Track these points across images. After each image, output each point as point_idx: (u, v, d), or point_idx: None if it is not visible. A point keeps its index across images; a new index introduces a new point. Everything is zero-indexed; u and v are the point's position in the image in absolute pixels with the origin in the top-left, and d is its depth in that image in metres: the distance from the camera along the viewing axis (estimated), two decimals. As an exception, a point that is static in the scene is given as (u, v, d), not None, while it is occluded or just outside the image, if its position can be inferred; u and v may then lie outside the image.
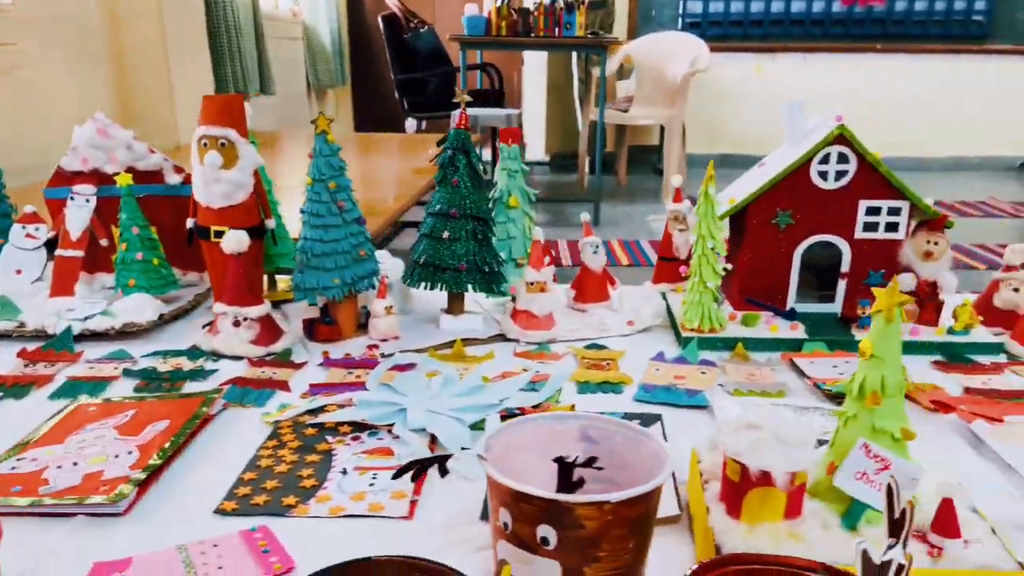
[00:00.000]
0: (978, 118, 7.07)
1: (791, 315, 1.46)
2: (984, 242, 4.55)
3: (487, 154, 6.05)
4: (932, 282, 1.43)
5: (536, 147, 7.21)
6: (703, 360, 1.34)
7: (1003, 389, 1.23)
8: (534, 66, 6.99)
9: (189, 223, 1.41)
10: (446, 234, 1.39)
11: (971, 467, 1.00)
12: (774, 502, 0.79)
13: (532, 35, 4.93)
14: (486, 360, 1.33)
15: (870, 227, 1.44)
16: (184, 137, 4.07)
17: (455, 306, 1.46)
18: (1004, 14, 6.87)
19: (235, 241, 1.27)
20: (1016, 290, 1.45)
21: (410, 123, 5.93)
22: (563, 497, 0.67)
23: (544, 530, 0.68)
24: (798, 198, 1.43)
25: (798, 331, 1.42)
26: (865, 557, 0.54)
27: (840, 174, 1.40)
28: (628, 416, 1.12)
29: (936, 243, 1.42)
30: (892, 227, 1.43)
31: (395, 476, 0.85)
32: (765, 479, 0.77)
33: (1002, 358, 1.37)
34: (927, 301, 1.44)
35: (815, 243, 1.46)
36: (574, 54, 6.87)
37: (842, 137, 1.38)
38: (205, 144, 1.33)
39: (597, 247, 1.57)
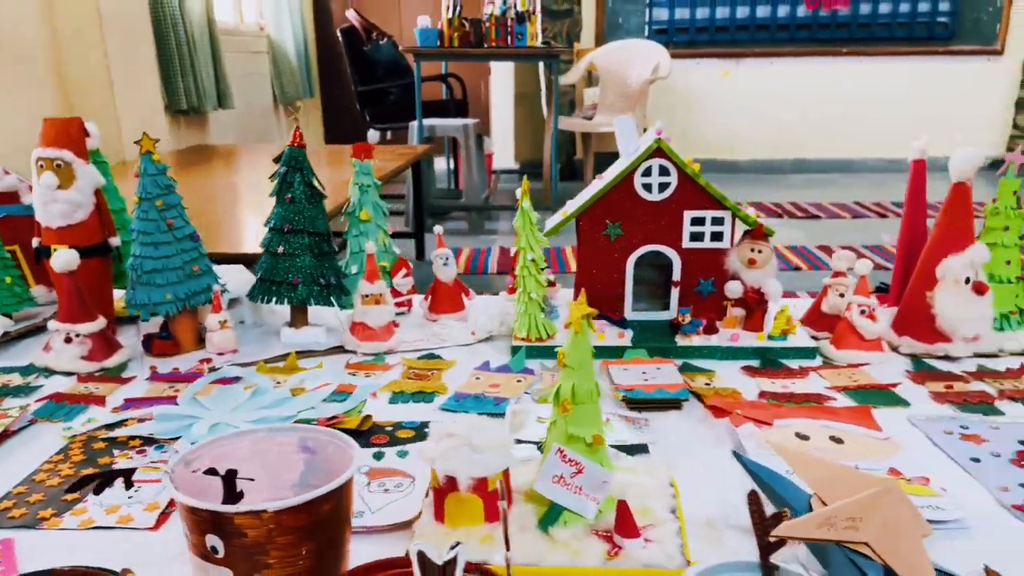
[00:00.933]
0: (945, 119, 7.09)
1: (623, 323, 1.51)
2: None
3: (442, 163, 6.11)
4: (758, 289, 1.47)
5: (506, 155, 7.26)
6: (525, 368, 1.38)
7: (798, 392, 1.27)
8: (501, 75, 7.04)
9: (35, 243, 1.46)
10: (281, 249, 1.44)
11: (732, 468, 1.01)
12: (472, 506, 0.83)
13: (485, 46, 4.98)
14: (315, 371, 1.37)
15: (696, 237, 1.48)
16: (130, 154, 4.13)
17: (297, 319, 1.51)
18: (968, 15, 6.91)
19: (63, 260, 1.31)
20: (841, 295, 1.49)
21: (372, 134, 5.99)
22: (222, 508, 0.71)
23: (212, 539, 0.72)
24: (626, 210, 1.47)
25: (624, 339, 1.46)
26: (421, 558, 0.58)
27: (663, 186, 1.45)
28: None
29: (760, 251, 1.46)
30: (717, 236, 1.48)
31: (68, 489, 0.91)
32: (452, 484, 0.82)
33: (818, 361, 1.41)
34: (753, 307, 1.48)
35: (646, 253, 1.50)
36: (540, 63, 6.94)
37: (660, 150, 1.42)
38: (41, 165, 1.38)
39: (447, 259, 1.61)
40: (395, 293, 1.64)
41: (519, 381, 1.33)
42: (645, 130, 6.10)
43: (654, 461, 1.01)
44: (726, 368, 1.38)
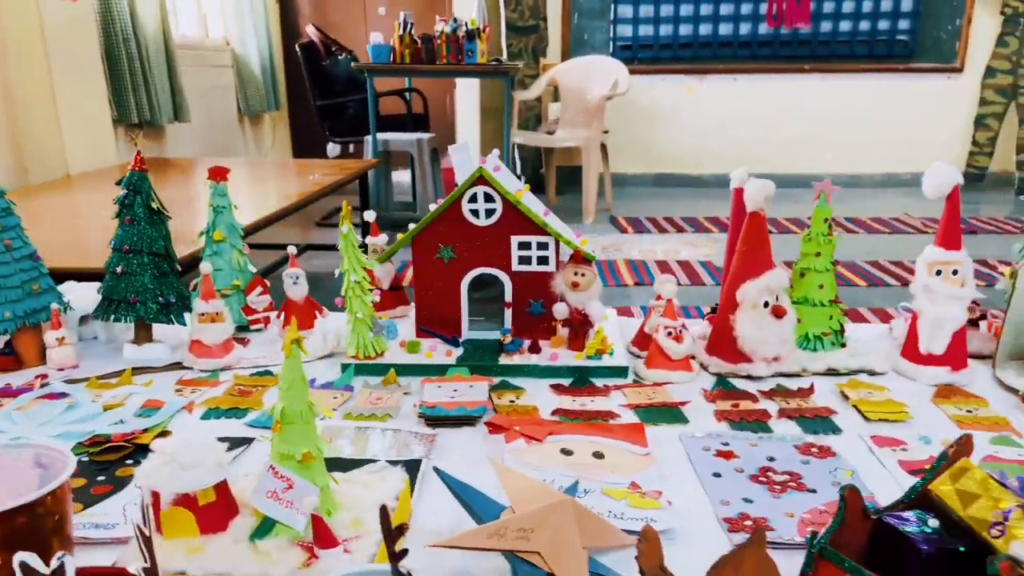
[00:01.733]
0: (907, 135, 7.19)
1: (454, 342, 1.58)
2: (880, 258, 4.67)
3: (405, 176, 6.18)
4: (582, 310, 1.55)
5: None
6: (347, 386, 1.45)
7: (590, 410, 1.34)
8: (466, 90, 7.13)
9: None
10: (120, 268, 1.51)
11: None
12: (185, 519, 0.91)
13: (436, 62, 5.07)
14: (144, 387, 1.45)
15: (524, 260, 1.55)
16: (73, 168, 4.21)
17: (140, 336, 1.58)
18: (928, 33, 7.01)
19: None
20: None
21: (331, 147, 6.08)
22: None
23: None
24: (457, 234, 1.54)
25: (451, 357, 1.53)
26: (24, 568, 0.65)
27: (489, 212, 1.52)
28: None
29: (583, 275, 1.54)
30: (543, 260, 1.55)
31: None
32: (156, 499, 0.89)
33: (630, 379, 1.48)
34: (578, 328, 1.55)
35: (479, 275, 1.57)
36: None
37: (482, 178, 1.49)
38: None
39: (297, 278, 1.68)
40: (249, 311, 1.71)
41: (335, 398, 1.40)
42: (604, 146, 6.18)
43: (391, 475, 1.08)
44: (539, 386, 1.45)
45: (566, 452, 1.18)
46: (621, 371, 1.49)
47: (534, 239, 1.54)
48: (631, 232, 5.81)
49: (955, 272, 1.42)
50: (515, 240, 1.54)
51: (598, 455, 1.18)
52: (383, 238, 1.76)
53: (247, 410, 1.36)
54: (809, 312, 1.57)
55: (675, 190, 7.40)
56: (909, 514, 0.82)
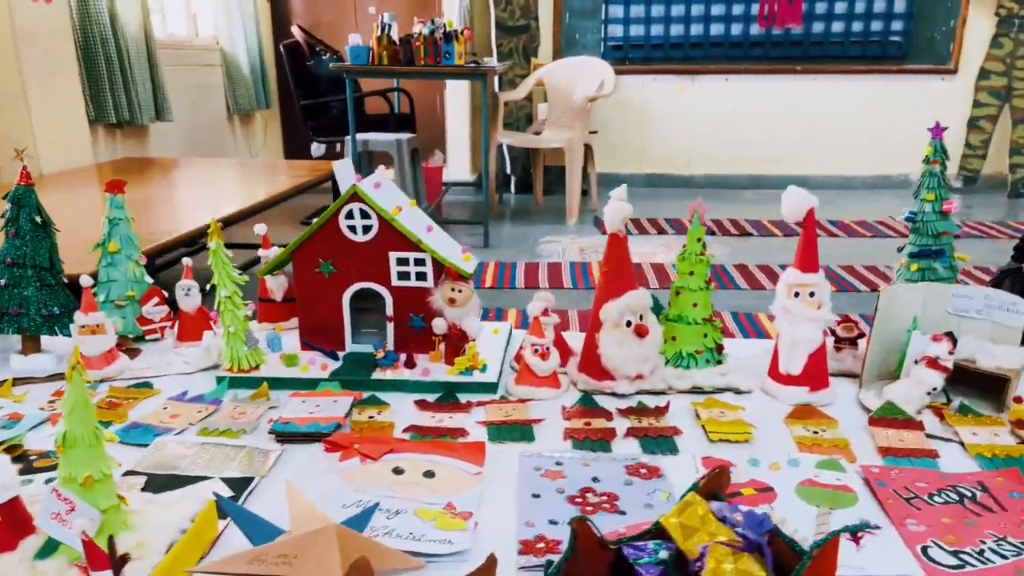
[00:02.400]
0: (900, 137, 7.15)
1: (333, 355, 1.61)
2: (856, 263, 4.66)
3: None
4: (458, 326, 1.58)
5: (461, 168, 7.36)
6: (216, 399, 1.49)
7: (444, 427, 1.37)
8: (456, 89, 7.16)
9: None
10: (3, 281, 1.55)
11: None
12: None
13: (414, 64, 5.10)
14: (23, 398, 1.49)
15: (403, 276, 1.59)
16: (47, 167, 4.27)
17: (28, 346, 1.62)
18: (922, 34, 6.96)
19: None
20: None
21: (316, 147, 6.13)
22: None
23: None
24: (336, 249, 1.58)
25: (326, 371, 1.56)
26: None
27: (366, 228, 1.55)
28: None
29: (459, 291, 1.57)
30: (421, 276, 1.58)
31: None
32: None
33: (498, 395, 1.51)
34: (455, 343, 1.58)
35: (360, 290, 1.61)
36: (496, 79, 7.06)
37: (356, 196, 1.52)
38: None
39: (189, 290, 1.72)
40: (145, 321, 1.75)
41: (199, 412, 1.44)
42: (589, 147, 6.20)
43: (198, 494, 1.11)
44: (405, 401, 1.49)
45: (397, 471, 1.22)
46: (490, 387, 1.52)
47: (411, 255, 1.57)
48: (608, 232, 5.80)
49: (812, 294, 1.44)
50: (393, 256, 1.57)
51: (429, 474, 1.21)
52: (275, 251, 1.79)
53: (109, 423, 1.40)
54: (683, 330, 1.59)
55: (666, 191, 7.40)
56: (648, 544, 0.85)
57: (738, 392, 1.53)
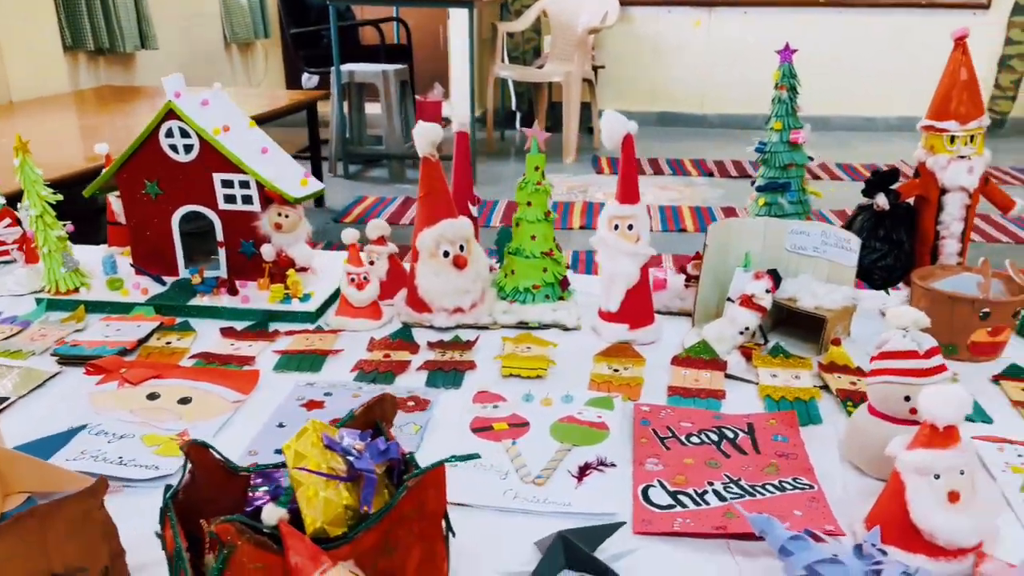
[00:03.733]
0: (925, 76, 6.87)
1: (161, 281, 1.61)
2: (847, 208, 4.54)
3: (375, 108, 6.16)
4: (285, 253, 1.56)
5: (464, 102, 7.27)
6: (25, 321, 1.49)
7: (238, 355, 1.36)
8: (459, 21, 7.03)
9: None
10: None
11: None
12: None
13: (398, -9, 5.02)
14: None
15: (230, 199, 1.56)
16: (16, 94, 4.30)
17: None
18: (954, -35, 6.66)
19: None
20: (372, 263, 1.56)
21: (307, 78, 6.09)
22: None
23: None
24: (160, 170, 1.56)
25: (146, 295, 1.56)
26: None
27: (188, 147, 1.53)
28: None
29: (286, 216, 1.54)
30: (247, 200, 1.56)
31: None
32: None
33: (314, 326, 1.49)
34: (284, 270, 1.56)
35: (189, 212, 1.59)
36: (501, 8, 6.94)
37: (172, 113, 1.50)
38: None
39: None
40: (-3, 242, 1.75)
41: (5, 332, 1.45)
42: (590, 82, 6.07)
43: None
44: (215, 328, 1.47)
45: (152, 396, 1.21)
46: (309, 316, 1.50)
47: (235, 177, 1.54)
48: (607, 173, 5.73)
49: (630, 227, 1.39)
50: (217, 177, 1.55)
51: (184, 400, 1.20)
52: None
53: (-89, 341, 1.41)
54: (521, 264, 1.55)
55: (678, 130, 7.24)
56: (282, 472, 0.83)
57: (565, 328, 1.49)
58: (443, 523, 0.80)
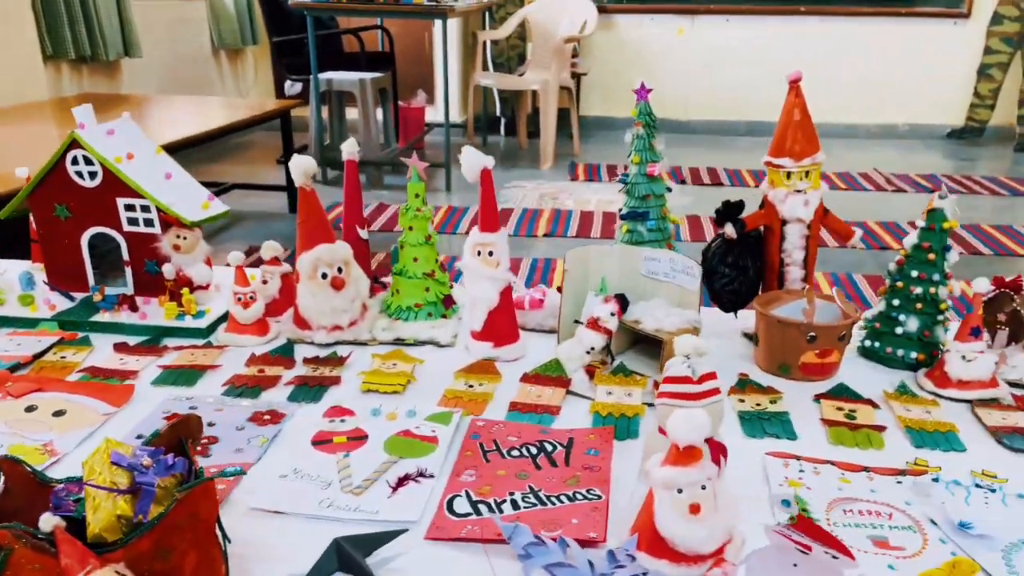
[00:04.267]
0: (906, 84, 6.98)
1: (71, 298, 1.73)
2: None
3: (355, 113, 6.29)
4: (183, 272, 1.67)
5: (451, 108, 7.38)
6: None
7: (118, 369, 1.48)
8: (441, 30, 7.14)
9: None
10: None
11: None
12: None
13: (372, 2, 5.14)
14: None
15: (132, 222, 1.68)
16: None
17: None
18: (934, -25, 6.74)
19: None
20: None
21: (289, 85, 6.23)
22: None
23: None
24: (68, 194, 1.68)
25: (54, 311, 1.68)
26: None
27: (92, 174, 1.65)
28: None
29: (184, 238, 1.66)
30: (148, 222, 1.67)
31: None
32: None
33: (204, 342, 1.61)
34: (181, 289, 1.68)
35: (97, 234, 1.71)
36: (486, 16, 7.06)
37: (76, 143, 1.61)
38: None
39: (-40, 231, 1.84)
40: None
41: (-85, 345, 1.56)
42: (569, 90, 6.15)
43: None
44: (109, 343, 1.59)
45: (30, 408, 1.33)
46: (199, 333, 1.62)
47: (137, 202, 1.66)
48: (582, 179, 5.83)
49: (491, 253, 1.49)
50: (120, 202, 1.66)
51: (59, 413, 1.32)
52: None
53: None
54: (405, 284, 1.66)
55: (663, 136, 7.30)
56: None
57: (439, 345, 1.60)
58: (217, 530, 0.91)
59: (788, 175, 1.51)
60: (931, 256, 1.45)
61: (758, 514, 1.10)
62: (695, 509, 0.97)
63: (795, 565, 0.89)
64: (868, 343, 1.55)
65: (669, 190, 1.61)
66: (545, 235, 4.61)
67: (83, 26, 5.09)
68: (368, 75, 5.58)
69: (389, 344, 1.60)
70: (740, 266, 1.55)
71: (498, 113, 7.36)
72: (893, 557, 1.01)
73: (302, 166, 1.51)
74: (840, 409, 1.36)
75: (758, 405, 1.38)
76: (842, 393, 1.41)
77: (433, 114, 7.12)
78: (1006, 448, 1.26)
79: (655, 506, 0.98)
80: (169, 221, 1.65)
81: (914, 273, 1.47)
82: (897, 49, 6.90)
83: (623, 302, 1.47)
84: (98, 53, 5.28)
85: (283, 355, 1.55)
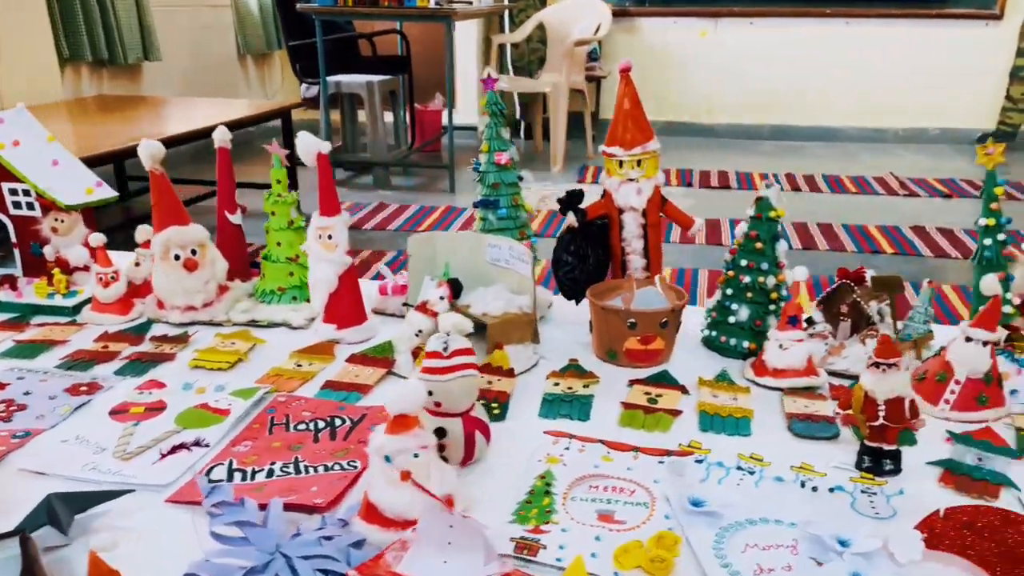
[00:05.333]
0: (936, 88, 6.82)
1: (-45, 284, 1.82)
2: (808, 221, 4.54)
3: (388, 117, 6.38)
4: (60, 254, 1.75)
5: (469, 111, 7.45)
6: None
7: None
8: (464, 29, 7.22)
9: None
10: None
11: None
12: None
13: (378, 5, 5.23)
14: None
15: (17, 205, 1.77)
16: (9, 103, 4.64)
17: None
18: (966, -24, 6.59)
19: None
20: (137, 264, 1.74)
21: (305, 88, 6.34)
22: None
23: None
24: (-42, 179, 1.76)
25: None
26: None
27: (-22, 161, 1.73)
28: None
29: (62, 221, 1.74)
30: (31, 206, 1.76)
31: None
32: None
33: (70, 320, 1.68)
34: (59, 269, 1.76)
35: (-7, 218, 1.80)
36: (506, 18, 7.13)
37: (-42, 127, 1.70)
38: None
39: None
40: None
41: None
42: (583, 94, 6.18)
43: None
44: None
45: None
46: (63, 311, 1.69)
47: (19, 186, 1.74)
48: (588, 182, 5.84)
49: (330, 237, 1.53)
50: (5, 186, 1.75)
51: None
52: None
53: None
54: (269, 268, 1.71)
55: (686, 139, 7.29)
56: None
57: (291, 327, 1.64)
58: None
59: (620, 164, 1.51)
60: (759, 245, 1.45)
61: (504, 487, 1.12)
62: (405, 476, 0.99)
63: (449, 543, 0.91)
64: (707, 332, 1.55)
65: (520, 179, 1.63)
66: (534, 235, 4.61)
67: (101, 29, 5.27)
68: (376, 78, 5.67)
69: (244, 325, 1.65)
70: (581, 255, 1.56)
71: (517, 116, 7.40)
72: (605, 529, 1.02)
73: (149, 150, 1.57)
74: (647, 394, 1.37)
75: (569, 388, 1.39)
76: (660, 380, 1.42)
77: (454, 116, 7.18)
78: (791, 433, 1.25)
79: (368, 474, 1.01)
80: (47, 205, 1.73)
81: (743, 263, 1.47)
82: (927, 52, 6.75)
83: (455, 287, 1.49)
84: (116, 56, 5.46)
85: (135, 333, 1.61)
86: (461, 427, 1.14)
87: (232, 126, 4.36)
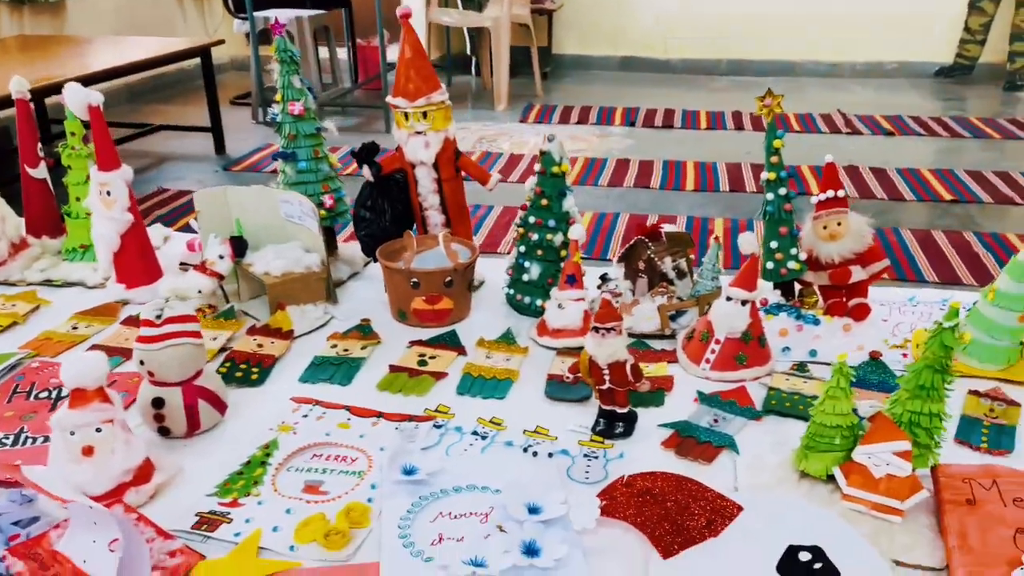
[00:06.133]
0: (894, 19, 6.72)
1: None
2: (751, 162, 4.49)
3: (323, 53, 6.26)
4: None
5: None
6: None
7: None
8: (410, -39, 7.06)
9: None
10: None
11: None
12: None
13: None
14: None
15: None
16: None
17: None
18: (925, -100, 6.44)
19: None
20: None
21: (238, 24, 6.20)
22: None
23: None
24: None
25: None
26: None
27: None
28: None
29: None
30: None
31: None
32: None
33: None
34: None
35: None
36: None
37: None
38: None
39: None
40: None
41: None
42: (530, 28, 6.04)
43: None
44: None
45: None
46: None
47: None
48: (531, 122, 5.76)
49: (109, 193, 1.49)
50: None
51: None
52: None
53: None
54: (72, 224, 1.69)
55: (640, 75, 7.19)
56: None
57: (86, 286, 1.62)
58: None
59: (406, 116, 1.47)
60: (544, 202, 1.41)
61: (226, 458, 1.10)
62: (88, 451, 0.97)
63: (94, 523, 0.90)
64: (507, 291, 1.52)
65: (321, 129, 1.59)
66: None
67: (15, -36, 5.12)
68: (307, 12, 5.54)
69: (38, 285, 1.62)
70: (378, 209, 1.53)
71: (468, 52, 7.28)
72: (303, 502, 1.01)
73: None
74: (421, 356, 1.35)
75: (345, 351, 1.37)
76: (440, 341, 1.40)
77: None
78: (544, 395, 1.23)
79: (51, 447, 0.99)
80: None
81: (532, 219, 1.43)
82: (884, -16, 6.63)
83: (238, 245, 1.46)
84: (35, -9, 5.31)
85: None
86: (181, 397, 1.12)
87: (142, 66, 4.30)
